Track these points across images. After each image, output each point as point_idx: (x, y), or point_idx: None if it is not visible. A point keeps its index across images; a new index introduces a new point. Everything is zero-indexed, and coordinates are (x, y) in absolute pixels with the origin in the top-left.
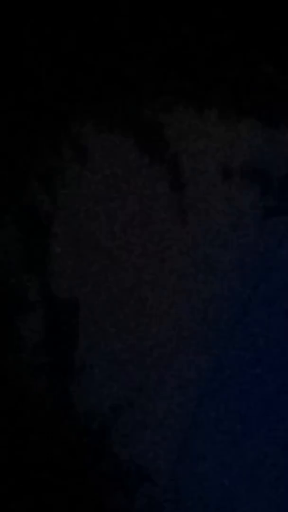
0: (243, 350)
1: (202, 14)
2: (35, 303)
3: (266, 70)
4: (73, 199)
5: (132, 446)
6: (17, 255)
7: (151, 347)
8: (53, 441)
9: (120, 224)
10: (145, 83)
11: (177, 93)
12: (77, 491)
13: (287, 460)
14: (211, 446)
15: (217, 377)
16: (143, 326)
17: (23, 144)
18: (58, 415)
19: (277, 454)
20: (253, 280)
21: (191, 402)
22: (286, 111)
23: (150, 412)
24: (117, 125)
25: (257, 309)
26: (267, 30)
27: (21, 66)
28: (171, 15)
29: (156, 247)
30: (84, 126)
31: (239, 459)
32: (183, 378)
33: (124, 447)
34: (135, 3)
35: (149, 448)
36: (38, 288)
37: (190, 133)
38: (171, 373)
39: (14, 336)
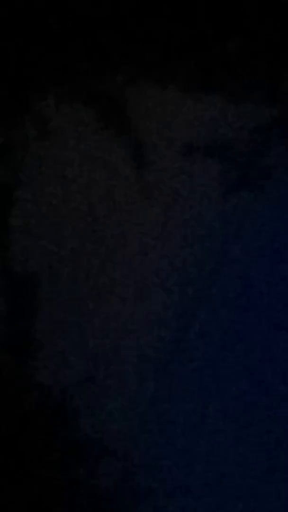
0: (205, 323)
1: None
2: None
3: (231, 46)
4: (34, 172)
5: (93, 418)
6: None
7: (110, 320)
8: (13, 414)
9: (82, 199)
10: (108, 56)
11: (140, 67)
12: (38, 463)
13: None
14: (170, 417)
15: (175, 349)
16: (103, 301)
17: None
18: (18, 388)
19: (236, 419)
20: (215, 256)
21: (150, 373)
22: (250, 87)
23: (110, 385)
24: (79, 99)
25: (219, 285)
26: (231, 4)
27: None
28: None
29: (118, 222)
30: (46, 99)
31: (199, 429)
32: (141, 351)
33: (85, 419)
34: None
35: (110, 420)
36: None
37: (153, 107)
38: (130, 345)
39: None
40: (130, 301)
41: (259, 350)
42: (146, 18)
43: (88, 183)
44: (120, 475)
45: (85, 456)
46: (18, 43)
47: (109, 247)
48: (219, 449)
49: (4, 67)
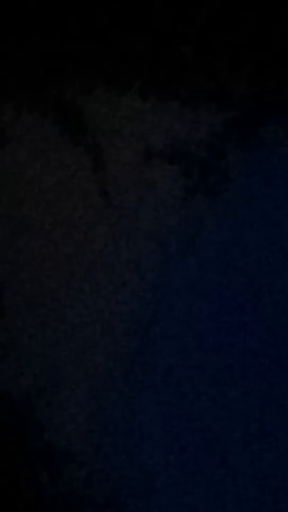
0: (165, 327)
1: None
2: None
3: (185, 51)
4: None
5: (56, 426)
6: None
7: (74, 328)
8: None
9: (42, 206)
10: (65, 64)
11: (97, 74)
12: (1, 472)
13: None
14: (134, 425)
15: (139, 357)
16: (66, 308)
17: None
18: None
19: (200, 425)
20: (174, 260)
21: (114, 381)
22: (206, 92)
23: (73, 392)
24: (37, 107)
25: (180, 288)
26: (186, 11)
27: None
28: None
29: (78, 228)
30: (3, 108)
31: (163, 436)
32: (106, 358)
33: (48, 427)
34: None
35: (73, 428)
36: None
37: (110, 114)
38: (94, 353)
39: None
40: (93, 308)
41: (217, 355)
42: (101, 26)
43: (47, 190)
44: (84, 482)
45: (49, 464)
46: None
47: (69, 252)
48: (183, 455)
49: None
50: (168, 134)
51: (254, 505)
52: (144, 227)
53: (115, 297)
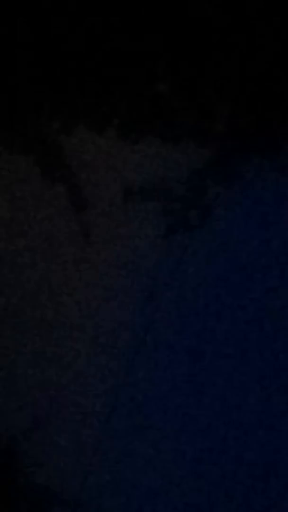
0: (148, 361)
1: (98, 38)
2: None
3: (161, 89)
4: None
5: (42, 468)
6: None
7: (59, 364)
8: None
9: (23, 244)
10: (42, 103)
11: (74, 113)
12: None
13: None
14: (119, 468)
15: (125, 393)
16: (47, 345)
17: None
18: None
19: (188, 458)
20: (156, 299)
21: (100, 420)
22: (183, 129)
23: (60, 433)
24: (17, 146)
25: (160, 328)
26: (162, 48)
27: None
28: (61, 34)
29: (58, 267)
30: None
31: (149, 473)
32: (86, 398)
33: (34, 467)
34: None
35: (59, 470)
36: None
37: (89, 153)
38: (76, 391)
39: None
40: (72, 345)
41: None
42: (78, 64)
43: (27, 229)
44: None
45: (36, 505)
46: None
47: (51, 291)
48: (171, 491)
49: None
50: (148, 171)
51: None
52: (125, 265)
53: (98, 327)
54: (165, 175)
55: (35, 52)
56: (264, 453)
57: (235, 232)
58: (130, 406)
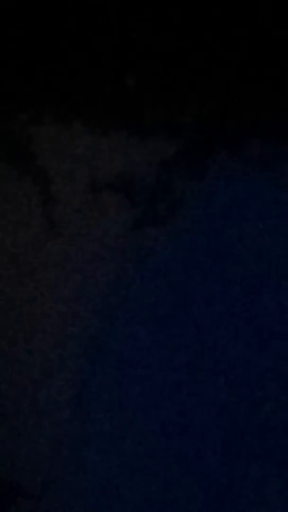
0: (115, 357)
1: (66, 31)
2: None
3: (129, 82)
4: None
5: (6, 459)
6: None
7: (22, 367)
8: None
9: None
10: (11, 95)
11: (43, 104)
12: None
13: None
14: (83, 454)
15: (90, 386)
16: (10, 342)
17: None
18: None
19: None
20: (123, 292)
21: (62, 412)
22: (151, 123)
23: (21, 424)
24: None
25: (128, 319)
26: (130, 42)
27: None
28: (27, 27)
29: (24, 259)
30: None
31: (114, 469)
32: (55, 391)
33: None
34: None
35: (21, 462)
36: None
37: (57, 144)
38: (44, 383)
39: None
40: (40, 336)
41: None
42: (46, 56)
43: None
44: None
45: None
46: None
47: (14, 285)
48: (137, 489)
49: None
50: (116, 164)
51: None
52: (92, 258)
53: (65, 323)
54: (133, 168)
55: (0, 45)
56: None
57: (204, 225)
58: (100, 392)
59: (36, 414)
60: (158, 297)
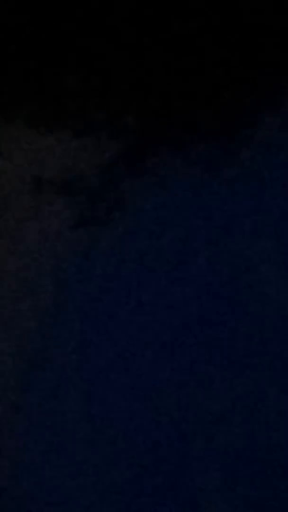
0: (55, 362)
1: (9, 29)
2: None
3: (70, 82)
4: None
5: None
6: None
7: None
8: None
9: None
10: None
11: None
12: None
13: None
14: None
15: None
16: None
17: None
18: None
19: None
20: (65, 290)
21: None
22: (93, 122)
23: None
24: None
25: (71, 315)
26: (73, 40)
27: None
28: None
29: None
30: None
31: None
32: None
33: None
34: None
35: None
36: None
37: (0, 143)
38: None
39: None
40: None
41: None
42: None
43: None
44: None
45: None
46: None
47: None
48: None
49: None
50: (58, 163)
51: None
52: (33, 255)
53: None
54: (76, 167)
55: None
56: None
57: (145, 224)
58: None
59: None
60: (100, 295)
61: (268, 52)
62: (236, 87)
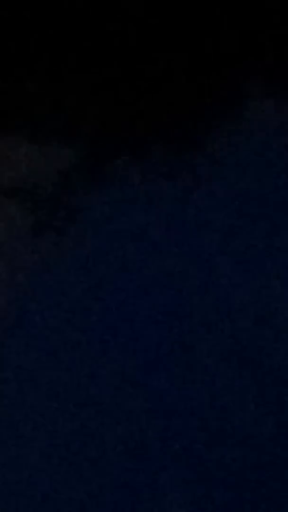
0: (16, 365)
1: None
2: None
3: (29, 87)
4: None
5: None
6: None
7: None
8: None
9: None
10: None
11: None
12: None
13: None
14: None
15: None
16: None
17: None
18: None
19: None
20: (22, 299)
21: None
22: (54, 129)
23: None
24: None
25: (32, 322)
26: (32, 46)
27: None
28: None
29: None
30: None
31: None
32: None
33: None
34: None
35: None
36: None
37: None
38: None
39: None
40: None
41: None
42: None
43: None
44: None
45: None
46: None
47: None
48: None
49: None
50: (15, 170)
51: None
52: None
53: None
54: (33, 175)
55: None
56: None
57: (103, 233)
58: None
59: None
60: (59, 302)
61: (226, 59)
62: (195, 94)
